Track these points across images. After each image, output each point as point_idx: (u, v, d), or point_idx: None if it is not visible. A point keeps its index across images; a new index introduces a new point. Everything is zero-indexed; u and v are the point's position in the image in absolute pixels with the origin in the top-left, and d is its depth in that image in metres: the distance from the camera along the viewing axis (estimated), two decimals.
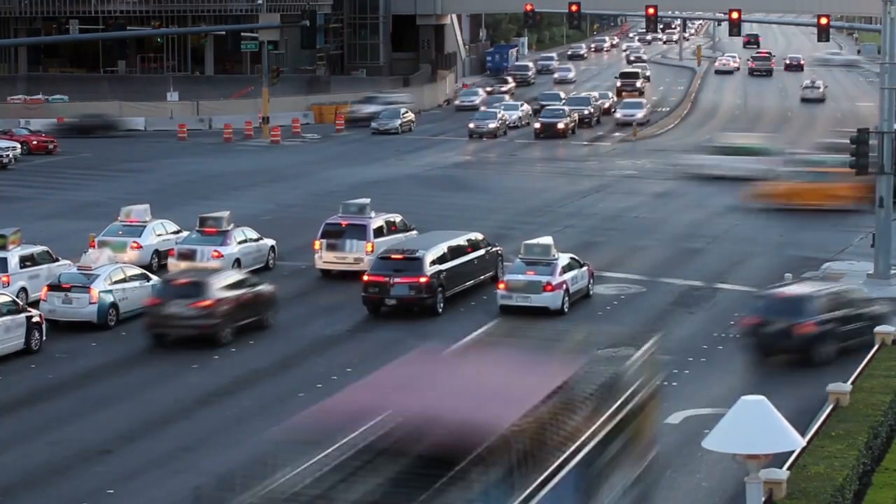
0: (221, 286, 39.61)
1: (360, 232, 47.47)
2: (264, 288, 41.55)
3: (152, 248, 48.33)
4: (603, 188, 70.49)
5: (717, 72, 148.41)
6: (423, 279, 42.05)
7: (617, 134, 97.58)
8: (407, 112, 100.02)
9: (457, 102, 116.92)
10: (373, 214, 48.66)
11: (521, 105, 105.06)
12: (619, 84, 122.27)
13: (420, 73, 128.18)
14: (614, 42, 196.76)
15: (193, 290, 39.08)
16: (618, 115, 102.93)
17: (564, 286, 42.37)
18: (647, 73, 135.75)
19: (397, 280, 42.01)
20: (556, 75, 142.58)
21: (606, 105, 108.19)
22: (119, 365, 37.10)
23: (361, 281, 42.63)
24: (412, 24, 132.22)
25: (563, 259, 43.29)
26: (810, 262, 50.22)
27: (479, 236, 46.51)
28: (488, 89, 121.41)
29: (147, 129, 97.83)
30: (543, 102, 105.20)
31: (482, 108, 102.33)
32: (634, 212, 62.83)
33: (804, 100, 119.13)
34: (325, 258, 46.73)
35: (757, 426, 14.76)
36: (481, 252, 45.65)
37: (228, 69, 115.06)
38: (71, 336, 39.65)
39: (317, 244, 47.47)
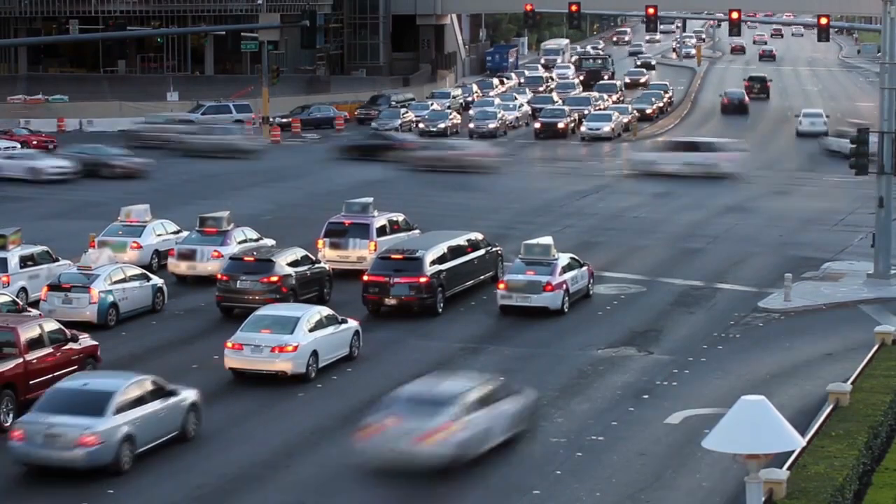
0: (287, 263, 42.34)
1: (363, 231, 47.46)
2: (323, 266, 44.35)
3: (152, 248, 48.28)
4: (603, 188, 70.50)
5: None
6: (423, 279, 42.02)
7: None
8: (407, 112, 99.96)
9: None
10: (376, 213, 48.67)
11: (520, 105, 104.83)
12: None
13: (420, 73, 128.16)
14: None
15: (261, 267, 41.92)
16: (583, 128, 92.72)
17: (564, 286, 42.37)
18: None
19: (397, 280, 41.98)
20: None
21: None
22: (119, 365, 36.87)
23: (361, 281, 42.62)
24: (412, 24, 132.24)
25: (563, 259, 43.29)
26: (810, 262, 50.30)
27: (479, 236, 46.48)
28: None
29: None
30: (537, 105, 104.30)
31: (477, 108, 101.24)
32: (634, 212, 62.85)
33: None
34: (327, 257, 46.70)
35: (757, 426, 14.77)
36: (481, 252, 45.62)
37: (228, 69, 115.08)
38: None
39: (320, 243, 47.46)
